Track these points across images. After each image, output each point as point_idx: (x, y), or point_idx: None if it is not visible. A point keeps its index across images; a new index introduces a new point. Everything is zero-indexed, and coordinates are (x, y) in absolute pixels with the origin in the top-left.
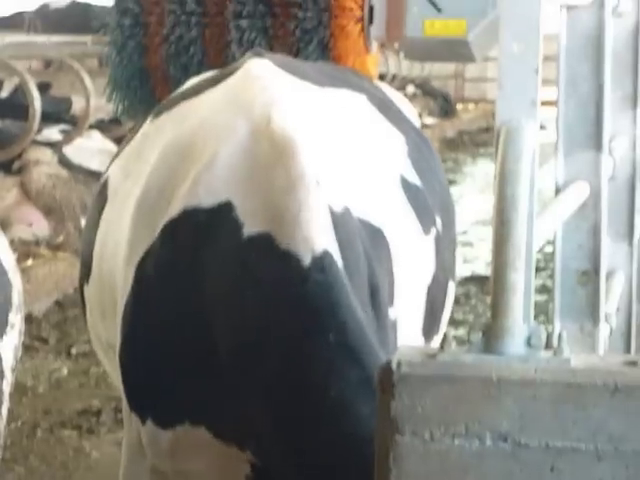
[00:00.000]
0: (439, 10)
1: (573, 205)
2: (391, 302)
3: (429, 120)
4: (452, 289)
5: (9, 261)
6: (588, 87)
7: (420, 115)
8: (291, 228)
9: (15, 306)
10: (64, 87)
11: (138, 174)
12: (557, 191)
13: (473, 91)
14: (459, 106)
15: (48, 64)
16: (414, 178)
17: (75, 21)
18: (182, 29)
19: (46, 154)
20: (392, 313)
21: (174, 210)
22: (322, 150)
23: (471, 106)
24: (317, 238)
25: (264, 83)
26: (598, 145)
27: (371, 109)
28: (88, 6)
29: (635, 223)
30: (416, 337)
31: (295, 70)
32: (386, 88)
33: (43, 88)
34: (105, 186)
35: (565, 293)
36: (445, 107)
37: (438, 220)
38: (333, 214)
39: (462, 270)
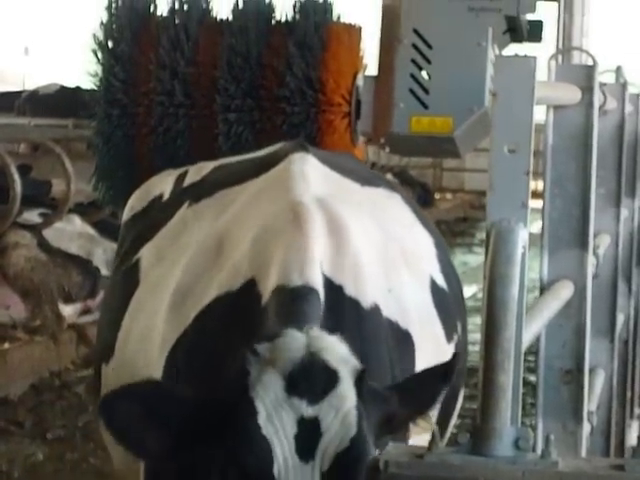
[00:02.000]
0: (426, 107)
1: (558, 304)
2: None
3: None
4: (462, 396)
5: None
6: (574, 187)
7: None
8: None
9: None
10: (45, 170)
11: (173, 261)
12: (542, 289)
13: (451, 181)
14: (437, 195)
15: (36, 147)
16: (442, 282)
17: (64, 106)
18: (170, 121)
19: (25, 237)
20: None
21: (206, 299)
22: (355, 249)
23: (449, 196)
24: None
25: (306, 181)
26: (583, 244)
27: (405, 209)
28: (77, 90)
29: (616, 320)
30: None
31: (337, 166)
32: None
33: (23, 171)
34: (136, 269)
35: (548, 391)
36: (423, 196)
37: (459, 326)
38: (360, 309)
39: None
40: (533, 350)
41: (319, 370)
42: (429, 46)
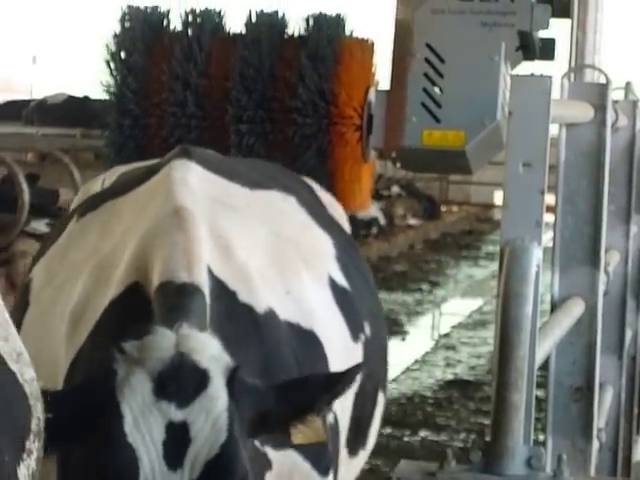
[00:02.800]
0: (438, 120)
1: (569, 322)
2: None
3: (413, 221)
4: (382, 400)
5: (34, 387)
6: (586, 204)
7: (404, 216)
8: None
9: (34, 433)
10: (52, 179)
11: (62, 280)
12: (553, 306)
13: (457, 193)
14: (443, 208)
15: (43, 157)
16: (343, 281)
17: (72, 115)
18: (182, 132)
19: (33, 246)
20: (330, 417)
21: (97, 315)
22: (244, 253)
23: (455, 208)
24: None
25: (183, 193)
26: (594, 262)
27: (300, 211)
28: (85, 100)
29: (625, 337)
30: (339, 449)
31: (224, 171)
32: (316, 188)
33: (31, 180)
34: (28, 290)
35: (558, 409)
36: (429, 209)
37: (367, 327)
38: (255, 315)
39: (444, 374)
40: (541, 366)
41: (189, 371)
42: (442, 60)
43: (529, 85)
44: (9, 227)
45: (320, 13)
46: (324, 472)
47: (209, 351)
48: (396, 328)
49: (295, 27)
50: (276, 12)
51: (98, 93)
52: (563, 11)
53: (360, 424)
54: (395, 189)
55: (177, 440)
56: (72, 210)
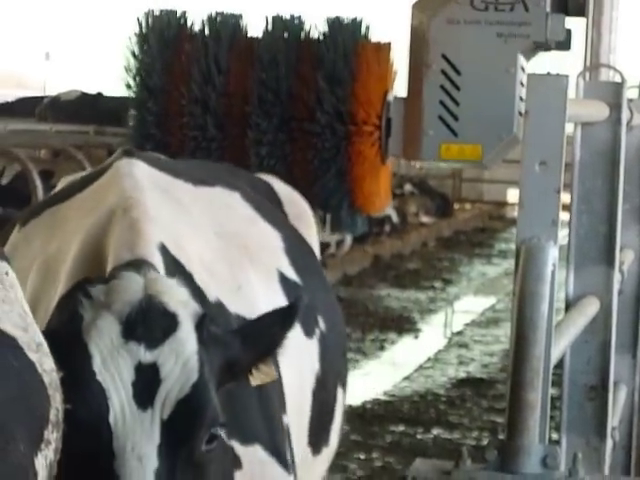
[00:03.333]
0: (455, 134)
1: (584, 321)
2: (283, 408)
3: (426, 219)
4: (342, 396)
5: (53, 377)
6: (601, 203)
7: (417, 214)
8: None
9: (52, 423)
10: (66, 176)
11: None
12: (567, 305)
13: (470, 191)
14: (456, 206)
15: (57, 153)
16: (293, 275)
17: (85, 112)
18: (202, 154)
19: None
20: (285, 419)
21: (46, 319)
22: (193, 246)
23: (468, 206)
24: None
25: (130, 184)
26: (609, 261)
27: (245, 206)
28: (98, 97)
29: (639, 335)
30: (301, 448)
31: (168, 169)
32: (276, 183)
33: (45, 176)
34: None
35: (572, 407)
36: (442, 207)
37: (321, 321)
38: (207, 301)
39: (457, 372)
40: (555, 364)
41: (158, 314)
42: (458, 72)
43: (545, 84)
44: None
45: (336, 18)
46: (288, 467)
47: (178, 296)
48: (409, 326)
49: (312, 30)
50: (292, 18)
51: (111, 90)
52: (578, 10)
53: (321, 421)
54: (408, 187)
55: (147, 381)
56: (12, 220)
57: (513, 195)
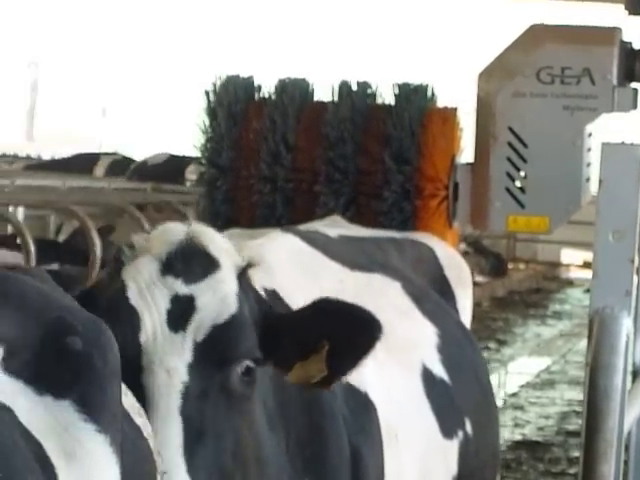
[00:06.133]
0: (522, 206)
1: None
2: None
3: (480, 279)
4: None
5: (153, 443)
6: None
7: (472, 273)
8: None
9: None
10: (122, 232)
11: None
12: (635, 372)
13: (524, 251)
14: (510, 266)
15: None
16: (441, 371)
17: (172, 174)
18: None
19: None
20: None
21: None
22: None
23: (522, 266)
24: None
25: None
26: None
27: (403, 297)
28: (184, 159)
29: None
30: None
31: (326, 248)
32: (438, 247)
33: (107, 230)
34: None
35: (638, 474)
36: (496, 266)
37: (468, 423)
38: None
39: (513, 434)
40: None
41: (198, 254)
42: (524, 144)
43: (619, 153)
44: (80, 281)
45: (403, 85)
46: None
47: (222, 245)
48: None
49: (379, 97)
50: (359, 85)
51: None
52: None
53: None
54: (462, 246)
55: (182, 309)
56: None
57: (567, 255)
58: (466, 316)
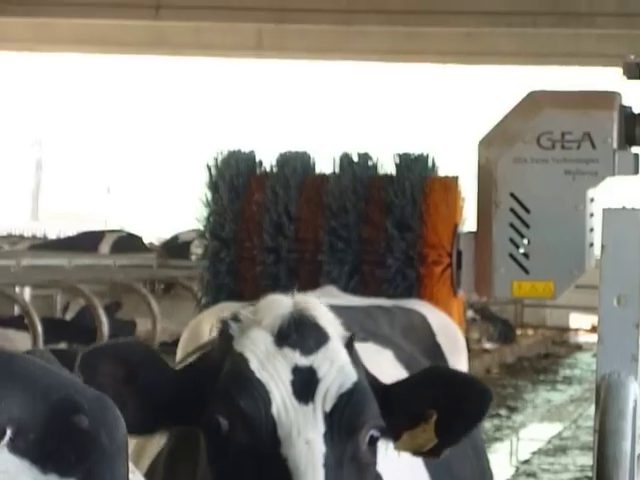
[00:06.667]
0: (527, 272)
1: None
2: None
3: (488, 345)
4: None
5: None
6: None
7: (479, 340)
8: None
9: None
10: (129, 308)
11: None
12: None
13: (532, 317)
14: (518, 331)
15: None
16: None
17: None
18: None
19: None
20: None
21: None
22: None
23: (530, 332)
24: None
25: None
26: None
27: (395, 366)
28: None
29: None
30: None
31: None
32: (429, 314)
33: (114, 308)
34: None
35: None
36: (504, 332)
37: None
38: None
39: None
40: None
41: (309, 325)
42: (527, 210)
43: (621, 218)
44: None
45: (403, 155)
46: None
47: (326, 315)
48: None
49: (380, 167)
50: (360, 157)
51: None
52: None
53: None
54: (469, 313)
55: (305, 380)
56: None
57: (576, 320)
58: None
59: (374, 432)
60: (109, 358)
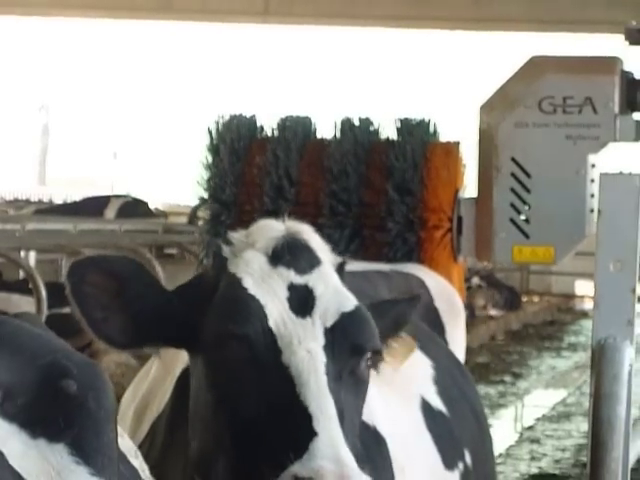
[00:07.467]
0: (527, 236)
1: None
2: None
3: (494, 312)
4: None
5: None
6: None
7: (485, 307)
8: None
9: None
10: None
11: None
12: None
13: (538, 284)
14: (524, 298)
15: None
16: (439, 405)
17: None
18: None
19: None
20: None
21: None
22: None
23: (536, 299)
24: None
25: None
26: None
27: None
28: None
29: None
30: None
31: None
32: (428, 278)
33: None
34: None
35: None
36: (510, 300)
37: (467, 455)
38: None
39: (529, 468)
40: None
41: (302, 248)
42: (528, 175)
43: (618, 183)
44: None
45: (405, 120)
46: None
47: (318, 241)
48: None
49: (381, 131)
50: (361, 121)
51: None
52: None
53: None
54: (475, 280)
55: (302, 296)
56: None
57: (581, 287)
58: (457, 346)
59: (373, 353)
60: (98, 269)
